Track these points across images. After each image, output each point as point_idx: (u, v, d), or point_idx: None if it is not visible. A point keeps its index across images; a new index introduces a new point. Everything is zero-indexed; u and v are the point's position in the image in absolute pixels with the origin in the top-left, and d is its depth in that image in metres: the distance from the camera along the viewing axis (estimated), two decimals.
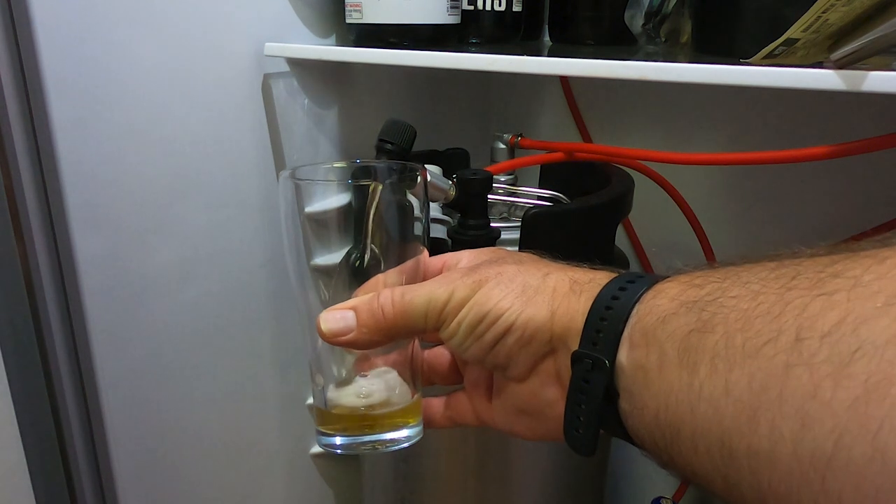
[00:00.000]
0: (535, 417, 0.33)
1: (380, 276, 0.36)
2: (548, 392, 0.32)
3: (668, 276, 0.28)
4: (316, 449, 0.74)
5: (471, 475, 0.62)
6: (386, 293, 0.33)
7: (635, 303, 0.27)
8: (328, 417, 0.38)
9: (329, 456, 0.75)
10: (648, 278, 0.29)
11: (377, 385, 0.37)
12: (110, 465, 0.53)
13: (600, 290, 0.29)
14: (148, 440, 0.56)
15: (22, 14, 0.43)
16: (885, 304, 0.19)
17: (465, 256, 0.37)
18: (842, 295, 0.20)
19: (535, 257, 0.35)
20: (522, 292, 0.31)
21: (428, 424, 0.39)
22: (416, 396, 0.38)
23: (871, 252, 0.21)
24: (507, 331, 0.30)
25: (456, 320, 0.31)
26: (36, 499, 0.50)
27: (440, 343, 0.36)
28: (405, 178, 0.37)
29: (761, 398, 0.21)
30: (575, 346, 0.29)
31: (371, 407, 0.37)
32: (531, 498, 0.63)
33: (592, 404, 0.28)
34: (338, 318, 0.34)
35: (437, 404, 0.39)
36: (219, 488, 0.64)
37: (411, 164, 0.38)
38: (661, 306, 0.26)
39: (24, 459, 0.49)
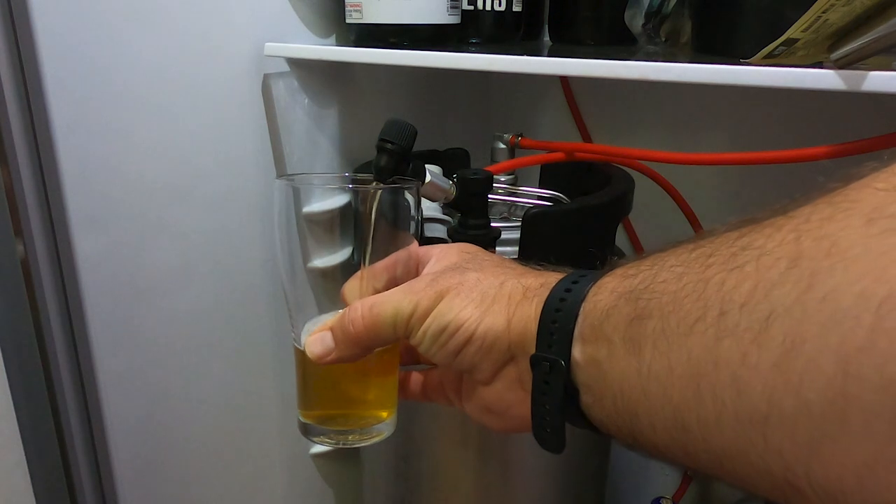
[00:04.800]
0: (500, 416, 0.35)
1: (363, 272, 0.37)
2: (511, 395, 0.33)
3: (608, 272, 0.30)
4: (316, 449, 0.74)
5: (471, 475, 0.62)
6: (355, 307, 0.34)
7: (581, 301, 0.29)
8: (309, 401, 0.40)
9: (329, 456, 0.75)
10: (591, 276, 0.30)
11: None
12: (110, 465, 0.53)
13: (549, 293, 0.30)
14: (148, 440, 0.56)
15: (22, 14, 0.43)
16: (787, 269, 0.21)
17: (434, 254, 0.38)
18: (751, 266, 0.22)
19: (496, 261, 0.36)
20: (481, 302, 0.32)
21: (403, 394, 0.40)
22: (393, 385, 0.39)
23: (771, 221, 0.23)
24: (468, 341, 0.32)
25: (421, 330, 0.33)
26: (36, 499, 0.50)
27: None
28: (403, 183, 0.38)
29: (700, 371, 0.23)
30: (533, 351, 0.30)
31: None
32: (531, 498, 0.63)
33: (555, 403, 0.29)
34: (318, 341, 0.36)
35: (415, 377, 0.40)
36: (219, 488, 0.64)
37: (408, 182, 0.39)
38: (602, 301, 0.28)
39: (24, 459, 0.49)
